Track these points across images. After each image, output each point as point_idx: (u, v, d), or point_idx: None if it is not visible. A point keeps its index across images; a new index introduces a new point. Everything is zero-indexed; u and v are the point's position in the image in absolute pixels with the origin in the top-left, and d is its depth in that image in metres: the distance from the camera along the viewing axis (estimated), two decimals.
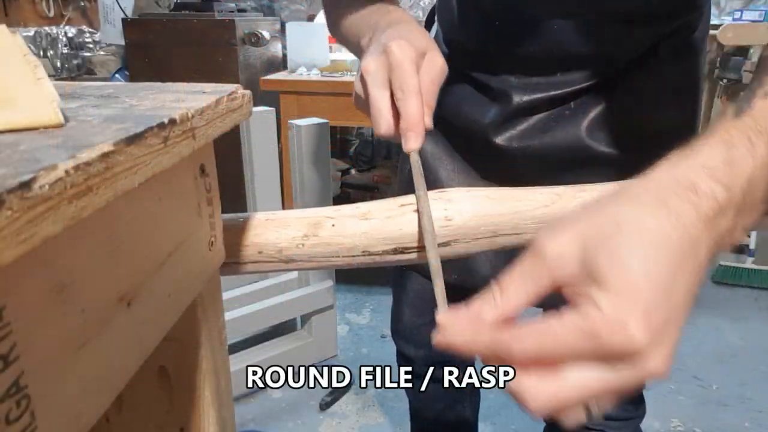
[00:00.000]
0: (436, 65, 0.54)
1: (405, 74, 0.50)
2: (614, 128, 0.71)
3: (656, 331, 0.28)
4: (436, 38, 0.84)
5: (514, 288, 0.32)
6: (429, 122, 0.51)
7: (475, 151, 0.78)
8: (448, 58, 0.79)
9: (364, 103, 0.55)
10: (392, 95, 0.51)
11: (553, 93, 0.70)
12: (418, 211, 0.47)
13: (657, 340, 0.28)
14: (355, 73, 1.94)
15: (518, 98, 0.71)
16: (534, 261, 0.32)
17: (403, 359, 1.01)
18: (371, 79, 0.52)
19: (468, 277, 0.82)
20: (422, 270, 0.88)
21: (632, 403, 0.87)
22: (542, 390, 0.29)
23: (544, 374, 0.29)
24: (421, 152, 0.56)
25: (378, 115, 0.52)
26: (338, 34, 0.73)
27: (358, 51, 0.65)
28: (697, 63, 0.74)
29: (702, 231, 0.31)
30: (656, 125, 0.71)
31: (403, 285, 0.95)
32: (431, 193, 0.48)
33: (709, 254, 0.31)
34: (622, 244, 0.29)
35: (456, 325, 0.31)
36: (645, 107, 0.72)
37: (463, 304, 0.32)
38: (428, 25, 0.90)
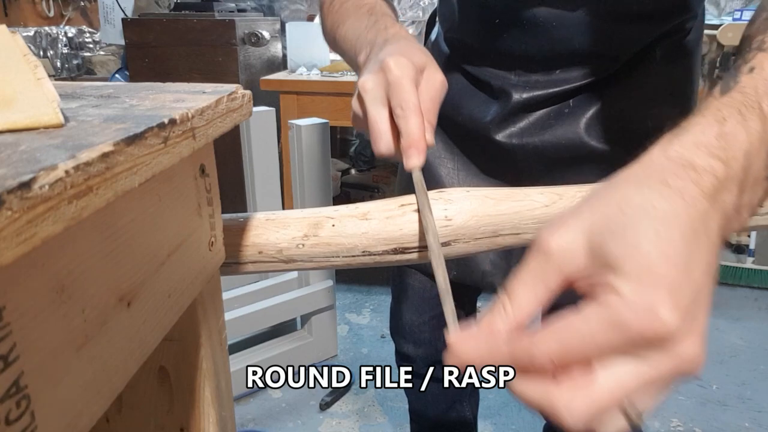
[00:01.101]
0: (436, 81, 0.51)
1: (404, 92, 0.48)
2: (611, 126, 0.72)
3: (685, 312, 0.26)
4: (437, 38, 0.84)
5: (524, 292, 0.29)
6: (430, 139, 0.49)
7: (476, 147, 0.79)
8: (449, 56, 0.80)
9: (362, 122, 0.52)
10: (391, 113, 0.49)
11: (551, 90, 0.71)
12: (421, 223, 0.46)
13: (687, 321, 0.26)
14: (354, 73, 1.94)
15: (518, 96, 0.71)
16: (540, 260, 0.30)
17: (402, 358, 1.01)
18: (369, 97, 0.50)
19: (467, 273, 0.83)
20: (422, 268, 0.88)
21: None
22: (577, 401, 0.26)
23: (575, 383, 0.27)
24: None
25: (377, 135, 0.49)
26: (333, 43, 0.70)
27: (355, 66, 0.62)
28: (691, 64, 0.75)
29: (708, 207, 0.29)
30: (652, 123, 0.72)
31: (403, 283, 0.95)
32: (431, 193, 0.48)
33: (720, 232, 0.30)
34: (628, 225, 0.28)
35: (469, 343, 0.29)
36: (641, 106, 0.73)
37: (472, 321, 0.31)
38: (430, 27, 0.91)
